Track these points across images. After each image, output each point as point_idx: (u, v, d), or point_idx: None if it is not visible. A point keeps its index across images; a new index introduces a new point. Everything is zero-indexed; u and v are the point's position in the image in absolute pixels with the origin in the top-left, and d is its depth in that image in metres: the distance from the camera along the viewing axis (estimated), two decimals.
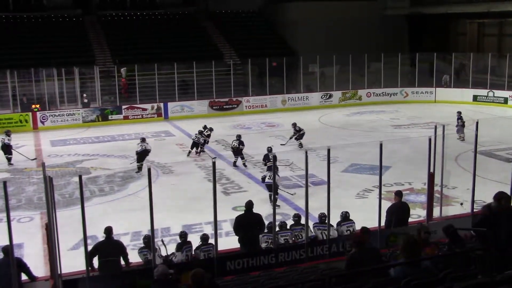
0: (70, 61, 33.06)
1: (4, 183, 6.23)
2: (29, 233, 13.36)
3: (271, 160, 16.19)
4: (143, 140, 20.07)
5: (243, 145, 19.93)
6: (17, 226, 13.13)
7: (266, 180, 15.58)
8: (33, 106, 30.13)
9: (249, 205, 11.07)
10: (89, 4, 42.45)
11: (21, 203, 16.13)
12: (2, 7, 39.73)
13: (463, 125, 22.86)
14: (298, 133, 22.70)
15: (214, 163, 7.32)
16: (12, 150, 21.35)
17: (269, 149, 18.31)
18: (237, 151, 19.85)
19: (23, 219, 14.64)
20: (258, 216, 11.04)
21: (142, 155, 19.37)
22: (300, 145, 22.25)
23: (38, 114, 29.32)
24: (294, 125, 22.94)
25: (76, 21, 40.27)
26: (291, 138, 22.86)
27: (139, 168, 19.11)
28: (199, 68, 32.65)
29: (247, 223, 10.85)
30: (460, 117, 23.24)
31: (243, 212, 11.21)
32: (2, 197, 16.16)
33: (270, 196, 14.90)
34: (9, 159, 21.06)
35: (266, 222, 11.06)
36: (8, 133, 21.59)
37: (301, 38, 39.68)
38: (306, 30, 39.95)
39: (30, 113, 29.27)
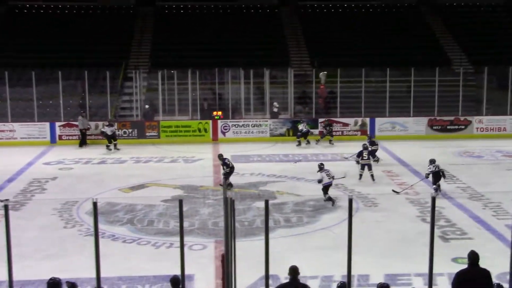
0: (260, 61, 34.52)
1: (180, 201, 6.65)
2: (201, 264, 14.10)
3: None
4: (110, 124, 28.98)
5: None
6: (189, 254, 13.85)
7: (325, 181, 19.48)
8: (214, 113, 32.00)
9: (474, 257, 10.53)
10: None
11: (194, 227, 17.12)
12: None
13: None
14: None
15: (433, 198, 7.13)
16: None
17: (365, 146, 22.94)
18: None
19: (195, 246, 15.53)
20: (485, 273, 10.49)
21: (110, 137, 28.62)
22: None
23: (219, 123, 31.06)
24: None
25: (270, 13, 42.06)
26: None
27: (108, 147, 28.66)
28: (419, 77, 32.27)
29: (470, 280, 10.35)
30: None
31: (465, 266, 10.75)
32: (174, 217, 17.37)
33: (328, 198, 19.34)
34: None
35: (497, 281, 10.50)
36: None
37: None
38: None
39: (210, 122, 31.13)
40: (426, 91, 32.67)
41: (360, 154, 22.67)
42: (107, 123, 29.23)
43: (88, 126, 30.31)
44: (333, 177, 19.61)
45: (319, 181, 19.73)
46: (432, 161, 20.58)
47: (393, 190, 20.74)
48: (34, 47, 36.50)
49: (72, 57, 35.41)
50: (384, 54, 36.35)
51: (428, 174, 20.38)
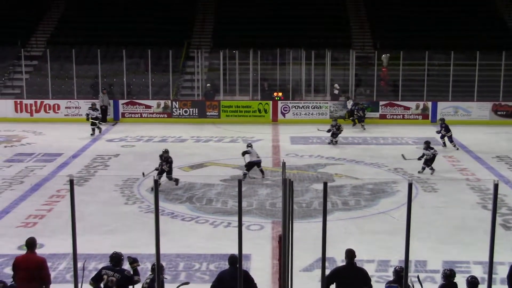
0: (321, 42, 34.34)
1: (239, 181, 6.71)
2: (258, 244, 14.23)
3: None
4: (94, 108, 27.63)
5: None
6: (246, 234, 13.95)
7: None
8: (275, 94, 32.07)
9: None
10: None
11: (252, 207, 17.26)
12: None
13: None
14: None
15: (496, 185, 7.02)
16: None
17: None
18: None
19: (253, 227, 15.66)
20: None
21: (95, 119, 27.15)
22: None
23: (279, 104, 31.13)
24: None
25: None
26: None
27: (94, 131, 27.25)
28: (484, 60, 31.68)
29: None
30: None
31: None
32: (232, 197, 17.55)
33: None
34: None
35: None
36: None
37: None
38: None
39: (270, 102, 31.24)
40: (492, 75, 32.03)
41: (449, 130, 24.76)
42: (91, 106, 28.41)
43: (108, 104, 30.79)
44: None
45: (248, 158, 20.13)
46: (428, 143, 21.15)
47: (402, 155, 21.77)
48: (100, 25, 37.00)
49: (136, 35, 35.84)
50: (449, 37, 35.68)
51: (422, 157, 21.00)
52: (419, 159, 20.98)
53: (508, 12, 39.61)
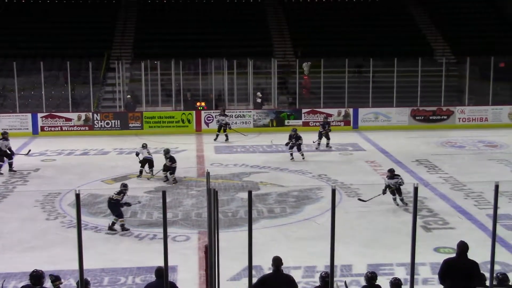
0: (243, 51, 34.48)
1: (163, 192, 6.63)
2: (185, 255, 14.17)
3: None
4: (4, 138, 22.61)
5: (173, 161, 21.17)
6: (172, 245, 13.97)
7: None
8: (198, 104, 32.00)
9: (463, 247, 10.64)
10: None
11: (177, 218, 17.13)
12: None
13: None
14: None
15: (416, 189, 7.19)
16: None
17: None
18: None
19: (179, 238, 15.56)
20: (473, 263, 10.61)
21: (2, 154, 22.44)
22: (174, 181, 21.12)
23: (203, 114, 31.04)
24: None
25: (254, 3, 42.05)
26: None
27: None
28: (401, 67, 32.38)
29: (457, 269, 10.46)
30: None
31: (447, 255, 10.87)
32: (157, 208, 17.38)
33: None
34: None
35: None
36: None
37: None
38: None
39: (193, 112, 31.13)
40: (409, 81, 32.76)
41: None
42: (1, 136, 22.84)
43: None
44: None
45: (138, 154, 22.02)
46: (392, 171, 18.42)
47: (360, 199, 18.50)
48: (15, 37, 36.19)
49: (54, 47, 35.16)
50: (367, 45, 36.42)
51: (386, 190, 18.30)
52: (384, 192, 18.18)
53: (424, 21, 40.69)
